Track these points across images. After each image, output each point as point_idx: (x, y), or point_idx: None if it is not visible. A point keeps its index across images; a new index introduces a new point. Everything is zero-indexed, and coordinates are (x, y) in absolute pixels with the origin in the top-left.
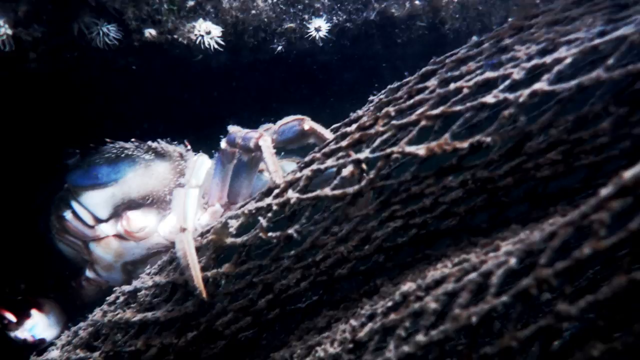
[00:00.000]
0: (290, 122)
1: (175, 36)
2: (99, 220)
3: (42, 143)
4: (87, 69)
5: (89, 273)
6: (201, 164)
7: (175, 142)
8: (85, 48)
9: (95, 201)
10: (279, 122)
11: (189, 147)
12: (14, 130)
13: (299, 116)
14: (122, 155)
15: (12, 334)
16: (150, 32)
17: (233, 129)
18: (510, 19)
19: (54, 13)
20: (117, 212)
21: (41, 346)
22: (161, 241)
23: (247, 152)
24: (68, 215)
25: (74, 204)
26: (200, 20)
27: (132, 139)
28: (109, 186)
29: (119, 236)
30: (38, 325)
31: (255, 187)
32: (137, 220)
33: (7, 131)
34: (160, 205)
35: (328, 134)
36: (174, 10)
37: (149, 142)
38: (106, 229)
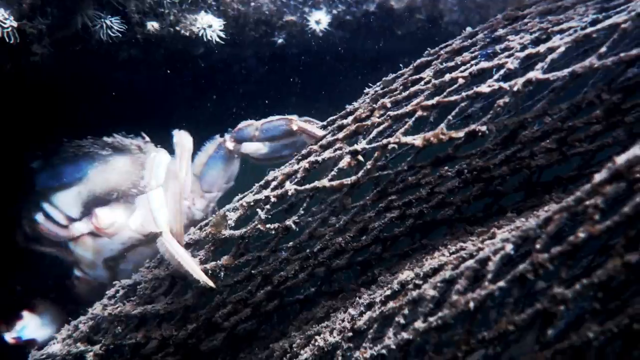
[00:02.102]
0: (276, 121)
1: (178, 29)
2: (71, 219)
3: (36, 142)
4: (90, 62)
5: (77, 272)
6: (159, 163)
7: (131, 135)
8: (89, 41)
9: (64, 201)
10: (263, 120)
11: (147, 139)
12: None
13: (287, 116)
14: (80, 153)
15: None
16: (152, 24)
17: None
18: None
19: (58, 5)
20: (87, 210)
21: (32, 346)
22: (133, 235)
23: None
24: (40, 217)
25: (45, 206)
26: (202, 12)
27: (88, 136)
28: (74, 185)
29: (92, 234)
30: (29, 326)
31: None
32: (105, 216)
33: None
34: (127, 199)
35: (318, 132)
36: (176, 3)
37: (105, 138)
38: (80, 227)
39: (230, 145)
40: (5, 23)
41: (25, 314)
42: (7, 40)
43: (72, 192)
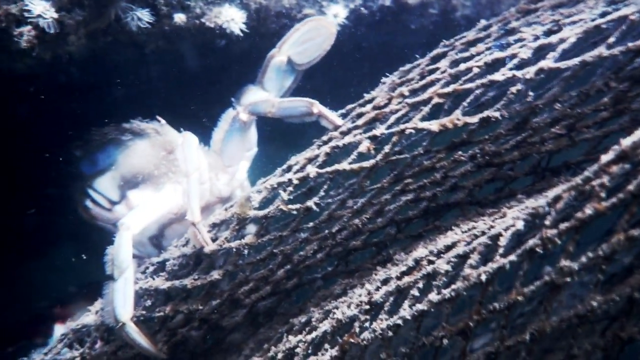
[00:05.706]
0: (297, 102)
1: (203, 21)
2: (113, 203)
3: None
4: (120, 53)
5: (134, 251)
6: (189, 147)
7: (147, 120)
8: (120, 32)
9: (103, 186)
10: (283, 99)
11: (162, 121)
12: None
13: (310, 99)
14: (105, 140)
15: None
16: (179, 16)
17: None
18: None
19: None
20: (124, 193)
21: None
22: (165, 214)
23: None
24: (89, 203)
25: (91, 192)
26: (227, 5)
27: (111, 124)
28: (108, 170)
29: None
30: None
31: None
32: (135, 198)
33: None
34: (152, 181)
35: (338, 120)
36: None
37: (124, 124)
38: (121, 209)
39: (244, 117)
40: (46, 14)
41: (57, 327)
42: (48, 31)
43: (107, 177)
